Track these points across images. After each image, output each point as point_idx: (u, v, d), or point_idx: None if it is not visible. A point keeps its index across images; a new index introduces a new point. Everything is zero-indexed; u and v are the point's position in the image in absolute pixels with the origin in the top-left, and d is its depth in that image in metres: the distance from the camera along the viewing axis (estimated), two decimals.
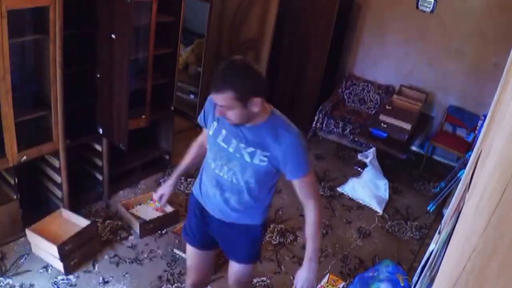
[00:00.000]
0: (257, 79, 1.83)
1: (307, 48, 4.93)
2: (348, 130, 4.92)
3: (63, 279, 2.88)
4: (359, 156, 4.33)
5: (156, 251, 3.23)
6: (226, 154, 1.92)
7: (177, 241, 3.13)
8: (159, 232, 3.40)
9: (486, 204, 0.83)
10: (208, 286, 3.01)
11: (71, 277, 2.90)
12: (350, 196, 4.23)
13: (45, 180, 3.37)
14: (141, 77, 3.47)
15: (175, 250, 3.18)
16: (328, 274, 3.23)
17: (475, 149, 2.00)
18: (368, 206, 4.12)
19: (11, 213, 3.00)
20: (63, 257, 2.83)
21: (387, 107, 4.53)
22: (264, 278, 3.16)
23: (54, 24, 2.65)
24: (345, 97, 5.29)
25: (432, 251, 1.79)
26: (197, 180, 2.19)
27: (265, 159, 1.86)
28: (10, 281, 2.79)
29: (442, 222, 2.00)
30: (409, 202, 4.31)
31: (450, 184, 3.91)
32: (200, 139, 2.25)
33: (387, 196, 4.23)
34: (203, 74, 4.65)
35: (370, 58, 5.19)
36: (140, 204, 3.59)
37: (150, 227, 3.35)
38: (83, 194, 3.57)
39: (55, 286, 2.83)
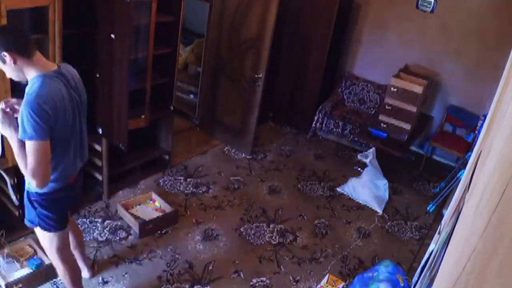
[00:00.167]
0: (7, 34, 1.94)
1: (307, 48, 4.93)
2: (348, 130, 4.92)
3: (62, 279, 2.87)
4: (359, 156, 4.33)
5: (155, 251, 3.22)
6: None
7: None
8: (158, 232, 3.39)
9: (486, 204, 0.83)
10: (208, 286, 3.01)
11: None
12: (350, 196, 4.22)
13: None
14: (141, 77, 3.46)
15: None
16: (328, 274, 3.23)
17: (475, 149, 1.99)
18: (368, 206, 4.12)
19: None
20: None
21: (392, 89, 4.42)
22: (264, 278, 3.16)
23: (54, 24, 2.65)
24: (345, 97, 5.29)
25: (432, 251, 1.79)
26: None
27: None
28: None
29: (442, 222, 2.00)
30: (409, 202, 4.31)
31: (450, 184, 3.90)
32: None
33: (387, 196, 4.23)
34: (203, 74, 4.65)
35: (370, 58, 5.19)
36: (139, 204, 3.59)
37: (150, 227, 3.34)
38: (83, 194, 3.56)
39: (54, 286, 2.83)
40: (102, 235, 3.29)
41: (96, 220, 3.42)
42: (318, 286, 3.13)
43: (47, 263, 2.83)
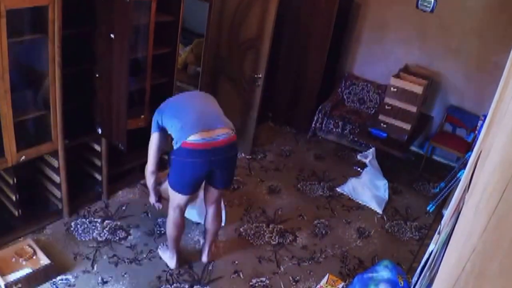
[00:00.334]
0: None
1: (307, 48, 4.92)
2: (347, 130, 4.91)
3: (62, 279, 2.87)
4: (359, 156, 4.33)
5: (155, 251, 3.22)
6: None
7: None
8: (158, 232, 3.39)
9: (486, 204, 0.83)
10: (207, 286, 3.01)
11: (69, 277, 2.90)
12: (350, 196, 4.22)
13: (44, 180, 3.37)
14: (140, 76, 3.46)
15: None
16: (328, 274, 3.23)
17: (475, 149, 1.99)
18: (367, 207, 4.12)
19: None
20: None
21: (392, 89, 4.41)
22: (263, 279, 3.16)
23: (53, 24, 2.64)
24: (345, 97, 5.29)
25: (432, 251, 1.79)
26: None
27: None
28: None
29: (442, 222, 2.00)
30: (408, 202, 4.31)
31: (450, 184, 3.90)
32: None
33: (386, 196, 4.23)
34: (202, 74, 4.64)
35: (369, 58, 5.18)
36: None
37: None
38: (82, 194, 3.56)
39: (54, 286, 2.83)
40: (101, 235, 3.29)
41: (95, 220, 3.41)
42: (318, 286, 3.13)
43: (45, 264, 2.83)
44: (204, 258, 3.19)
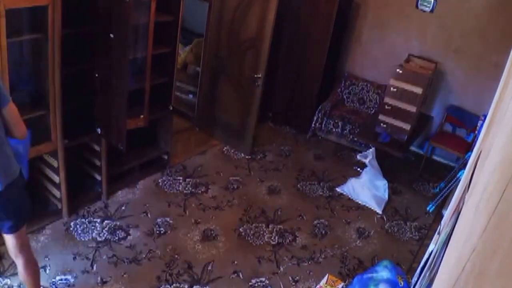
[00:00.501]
0: None
1: (307, 47, 4.92)
2: (347, 130, 4.91)
3: (61, 279, 2.87)
4: (359, 156, 4.32)
5: (154, 251, 3.22)
6: None
7: None
8: (157, 232, 3.39)
9: (486, 204, 0.83)
10: (207, 286, 3.01)
11: (69, 277, 2.90)
12: (350, 196, 4.22)
13: (44, 180, 3.36)
14: (140, 76, 3.45)
15: None
16: (327, 274, 3.22)
17: (475, 149, 1.99)
18: (367, 207, 4.12)
19: None
20: None
21: (392, 89, 4.38)
22: (263, 279, 3.15)
23: (53, 24, 2.64)
24: (344, 97, 5.29)
25: (432, 251, 1.79)
26: None
27: None
28: (8, 281, 2.78)
29: (442, 222, 2.00)
30: (408, 202, 4.31)
31: (450, 184, 3.89)
32: None
33: (386, 196, 4.22)
34: (202, 74, 4.65)
35: (369, 57, 5.18)
36: None
37: None
38: (82, 194, 3.56)
39: (54, 286, 2.82)
40: (101, 235, 3.29)
41: (95, 220, 3.41)
42: (318, 286, 3.13)
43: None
44: None
